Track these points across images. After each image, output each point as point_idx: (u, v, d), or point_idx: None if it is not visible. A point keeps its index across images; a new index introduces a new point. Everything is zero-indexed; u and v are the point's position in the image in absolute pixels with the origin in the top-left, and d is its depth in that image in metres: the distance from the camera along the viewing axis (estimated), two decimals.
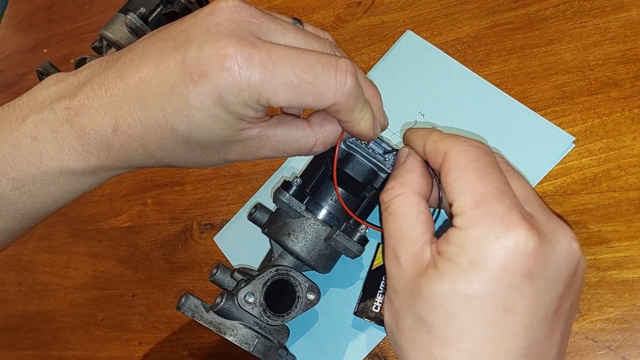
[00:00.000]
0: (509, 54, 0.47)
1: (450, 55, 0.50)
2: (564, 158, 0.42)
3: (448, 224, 0.31)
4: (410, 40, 0.53)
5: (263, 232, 0.45)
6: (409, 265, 0.31)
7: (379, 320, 0.42)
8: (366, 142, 0.40)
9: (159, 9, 0.66)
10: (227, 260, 0.54)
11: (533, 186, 0.42)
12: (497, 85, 0.47)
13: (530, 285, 0.28)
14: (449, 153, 0.32)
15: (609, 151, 0.40)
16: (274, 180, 0.55)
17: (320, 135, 0.37)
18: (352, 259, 0.42)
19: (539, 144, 0.43)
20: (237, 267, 0.45)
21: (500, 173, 0.31)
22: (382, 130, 0.38)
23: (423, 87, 0.50)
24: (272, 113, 0.36)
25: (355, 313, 0.44)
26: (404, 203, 0.33)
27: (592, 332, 0.37)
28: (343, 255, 0.44)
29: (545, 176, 0.42)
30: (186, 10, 0.67)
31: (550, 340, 0.29)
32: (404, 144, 0.38)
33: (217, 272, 0.44)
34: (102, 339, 0.59)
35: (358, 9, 0.58)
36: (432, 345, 0.29)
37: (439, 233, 0.32)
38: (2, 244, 0.42)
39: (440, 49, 0.51)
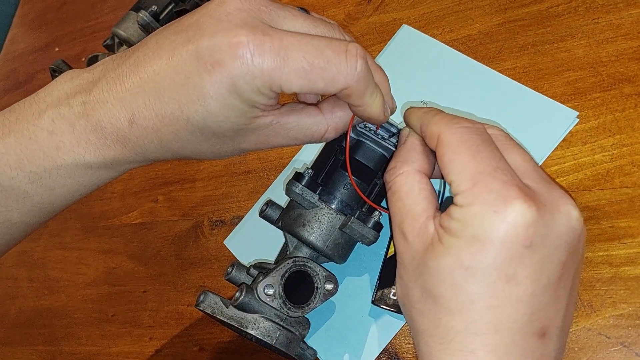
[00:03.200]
0: (521, 51, 0.47)
1: (461, 52, 0.50)
2: (576, 154, 0.42)
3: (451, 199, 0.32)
4: (406, 34, 0.54)
5: (276, 225, 0.45)
6: (415, 240, 0.33)
7: (397, 307, 0.42)
8: (375, 128, 0.41)
9: (170, 7, 0.66)
10: (238, 261, 0.54)
11: (539, 164, 0.42)
12: None
13: (531, 254, 0.29)
14: (442, 136, 0.33)
15: (622, 147, 0.40)
16: (284, 177, 0.55)
17: (332, 121, 0.37)
18: (368, 245, 0.42)
19: (542, 122, 0.44)
20: (252, 263, 0.46)
21: (494, 150, 0.32)
22: (392, 113, 0.39)
23: (423, 76, 0.51)
24: (284, 102, 0.37)
25: (372, 302, 0.44)
26: (406, 181, 0.35)
27: (605, 328, 0.37)
28: (357, 246, 0.44)
29: (557, 172, 0.42)
30: (196, 7, 0.67)
31: (555, 307, 0.30)
32: (405, 124, 0.39)
33: (232, 270, 0.45)
34: (113, 334, 0.60)
35: (368, 7, 0.58)
36: (440, 316, 0.31)
37: (444, 206, 0.33)
38: (16, 238, 0.42)
39: (451, 46, 0.51)
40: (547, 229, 0.29)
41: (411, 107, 0.39)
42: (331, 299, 0.43)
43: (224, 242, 0.56)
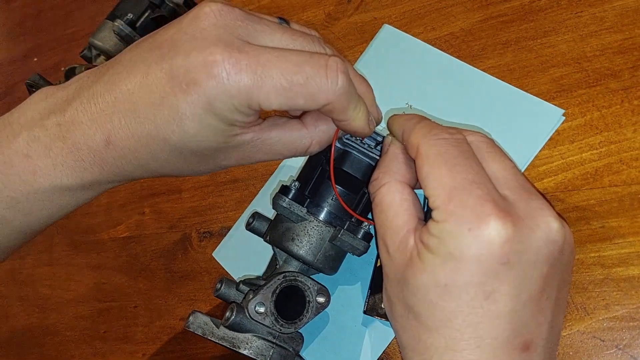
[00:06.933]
0: (504, 48, 0.46)
1: (444, 50, 0.49)
2: (564, 153, 0.41)
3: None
4: (388, 34, 0.53)
5: (265, 240, 0.44)
6: (396, 254, 0.33)
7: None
8: (361, 138, 0.40)
9: (146, 14, 0.65)
10: (228, 274, 0.53)
11: (526, 164, 0.42)
12: None
13: (509, 271, 0.29)
14: (420, 148, 0.33)
15: (610, 145, 0.40)
16: (272, 186, 0.54)
17: (316, 135, 0.37)
18: (359, 256, 0.42)
19: (528, 121, 0.43)
20: (241, 279, 0.45)
21: (472, 162, 0.31)
22: (377, 124, 0.38)
23: (406, 77, 0.50)
24: (265, 116, 0.36)
25: (365, 312, 0.43)
26: (387, 193, 0.34)
27: (599, 331, 0.36)
28: (348, 255, 0.44)
29: (545, 172, 0.41)
30: (174, 14, 0.66)
31: (539, 320, 0.30)
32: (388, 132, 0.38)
33: (221, 286, 0.44)
34: (105, 351, 0.59)
35: (349, 6, 0.57)
36: (420, 332, 0.31)
37: (429, 216, 0.32)
38: None
39: (434, 44, 0.50)
40: (524, 245, 0.29)
41: (394, 115, 0.38)
42: (324, 310, 0.42)
43: (213, 254, 0.55)
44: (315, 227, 0.41)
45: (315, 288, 0.41)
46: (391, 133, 0.38)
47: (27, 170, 0.34)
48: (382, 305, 0.42)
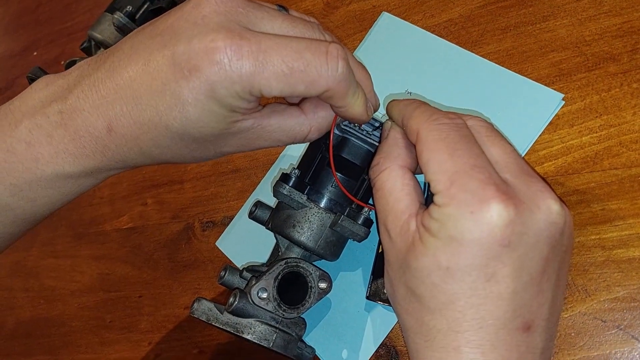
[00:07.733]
0: (503, 33, 0.46)
1: (443, 37, 0.49)
2: (564, 137, 0.41)
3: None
4: (387, 22, 0.53)
5: (267, 227, 0.45)
6: (398, 238, 0.33)
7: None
8: (359, 125, 0.40)
9: (145, 6, 0.65)
10: (232, 263, 0.53)
11: (527, 149, 0.42)
12: None
13: (510, 253, 0.29)
14: (420, 133, 0.33)
15: (609, 128, 0.40)
16: (273, 175, 0.54)
17: (315, 121, 0.37)
18: (359, 242, 0.42)
19: (528, 106, 0.43)
20: (245, 266, 0.45)
21: (472, 146, 0.32)
22: (375, 111, 0.38)
23: (406, 65, 0.50)
24: (265, 102, 0.36)
25: (367, 297, 0.44)
26: (388, 178, 0.35)
27: (601, 312, 0.37)
28: (349, 241, 0.44)
29: (546, 156, 0.42)
30: (173, 5, 0.66)
31: (539, 300, 0.30)
32: (388, 117, 0.39)
33: (225, 274, 0.44)
34: (111, 341, 0.60)
35: None
36: (422, 314, 0.31)
37: (430, 200, 0.32)
38: (2, 247, 0.42)
39: (433, 31, 0.50)
40: (525, 227, 0.29)
41: (393, 100, 0.38)
42: (327, 295, 0.43)
43: (216, 243, 0.55)
44: (315, 214, 0.41)
45: (317, 274, 0.42)
46: (390, 118, 0.38)
47: (30, 158, 0.35)
48: (385, 290, 0.42)
